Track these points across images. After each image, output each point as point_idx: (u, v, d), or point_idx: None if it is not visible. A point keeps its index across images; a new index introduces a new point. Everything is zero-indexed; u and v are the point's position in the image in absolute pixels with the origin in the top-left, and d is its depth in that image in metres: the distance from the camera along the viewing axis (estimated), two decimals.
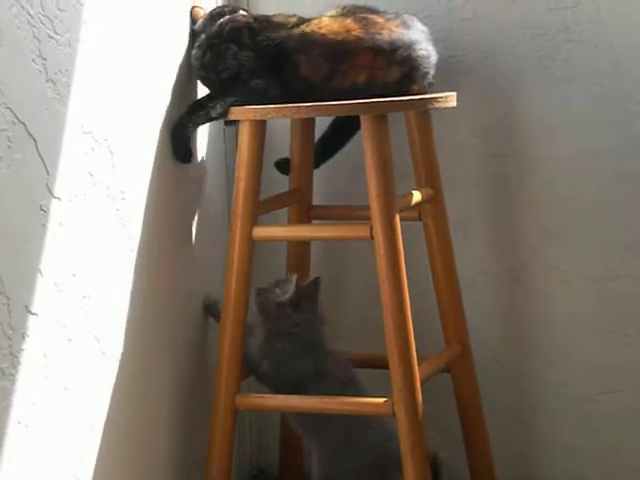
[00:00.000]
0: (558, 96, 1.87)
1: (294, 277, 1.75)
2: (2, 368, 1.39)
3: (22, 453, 1.43)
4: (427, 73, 1.74)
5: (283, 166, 1.89)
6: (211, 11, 1.81)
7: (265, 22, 1.75)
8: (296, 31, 1.72)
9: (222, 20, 1.75)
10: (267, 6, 1.93)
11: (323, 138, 1.88)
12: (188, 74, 1.83)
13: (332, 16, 1.74)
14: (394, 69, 1.70)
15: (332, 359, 1.76)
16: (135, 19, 1.69)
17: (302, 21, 1.75)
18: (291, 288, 1.73)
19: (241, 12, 1.79)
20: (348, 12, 1.74)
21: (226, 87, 1.72)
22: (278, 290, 1.75)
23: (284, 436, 1.96)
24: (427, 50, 1.74)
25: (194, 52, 1.76)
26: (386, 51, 1.69)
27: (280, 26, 1.74)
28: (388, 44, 1.69)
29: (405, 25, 1.73)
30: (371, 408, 1.71)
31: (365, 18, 1.72)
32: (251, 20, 1.75)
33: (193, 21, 1.82)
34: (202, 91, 1.82)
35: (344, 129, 1.84)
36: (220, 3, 1.93)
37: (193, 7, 1.82)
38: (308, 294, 1.75)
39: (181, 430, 1.82)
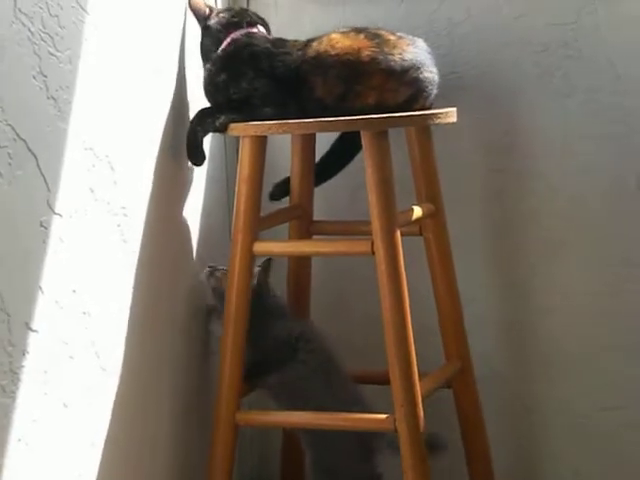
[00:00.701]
0: (558, 111, 1.87)
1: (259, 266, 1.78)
2: (2, 385, 1.39)
3: (22, 471, 1.42)
4: (430, 94, 1.75)
5: (278, 193, 1.88)
6: (230, 15, 1.78)
7: (280, 43, 1.75)
8: (309, 51, 1.72)
9: (241, 40, 1.74)
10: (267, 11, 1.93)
11: (324, 158, 1.88)
12: (188, 90, 1.84)
13: (342, 32, 1.73)
14: (403, 90, 1.70)
15: (302, 327, 1.78)
16: (135, 36, 1.69)
17: (313, 39, 1.74)
18: (255, 275, 1.75)
19: (259, 27, 1.78)
20: (357, 29, 1.74)
21: (233, 107, 1.72)
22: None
23: (285, 450, 1.95)
24: (432, 72, 1.74)
25: (209, 68, 1.76)
26: (397, 72, 1.69)
27: (293, 46, 1.74)
28: (400, 65, 1.69)
29: (414, 44, 1.73)
30: (373, 424, 1.70)
31: (377, 35, 1.72)
32: (269, 45, 1.74)
33: (195, 11, 1.79)
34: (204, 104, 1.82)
35: (346, 150, 1.84)
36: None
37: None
38: (264, 278, 1.79)
39: (182, 447, 1.81)
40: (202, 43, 1.81)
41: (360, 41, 1.71)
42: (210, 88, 1.76)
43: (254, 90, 1.71)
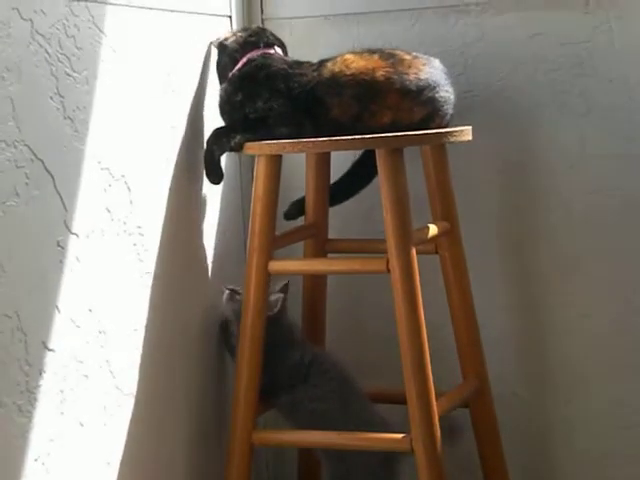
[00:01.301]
0: (574, 130, 1.87)
1: (279, 291, 1.78)
2: (19, 405, 1.39)
3: None
4: (447, 114, 1.75)
5: (294, 212, 1.88)
6: (247, 35, 1.79)
7: (297, 65, 1.75)
8: (324, 72, 1.72)
9: (257, 61, 1.75)
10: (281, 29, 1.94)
11: (342, 179, 1.88)
12: (203, 110, 1.84)
13: (356, 53, 1.74)
14: (418, 110, 1.70)
15: (315, 354, 1.78)
16: (151, 56, 1.70)
17: (327, 59, 1.75)
18: (276, 303, 1.76)
19: (277, 49, 1.79)
20: (371, 50, 1.74)
21: (249, 126, 1.73)
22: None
23: (301, 470, 1.94)
24: (448, 92, 1.75)
25: (225, 87, 1.77)
26: (413, 92, 1.69)
27: (309, 67, 1.74)
28: (415, 85, 1.69)
29: (430, 64, 1.74)
30: (389, 444, 1.69)
31: (392, 55, 1.72)
32: (286, 66, 1.74)
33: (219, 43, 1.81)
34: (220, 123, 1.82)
35: (364, 173, 1.84)
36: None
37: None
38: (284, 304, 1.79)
39: (197, 466, 1.81)
40: (218, 62, 1.82)
41: (375, 61, 1.71)
42: (226, 107, 1.77)
43: (270, 110, 1.71)
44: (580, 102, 1.86)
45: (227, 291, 1.81)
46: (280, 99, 1.72)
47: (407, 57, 1.73)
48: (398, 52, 1.74)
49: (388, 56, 1.72)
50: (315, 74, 1.73)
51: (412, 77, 1.70)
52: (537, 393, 1.94)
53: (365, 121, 1.70)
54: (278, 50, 1.80)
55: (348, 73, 1.71)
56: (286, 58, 1.79)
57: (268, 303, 1.75)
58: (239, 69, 1.77)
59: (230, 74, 1.78)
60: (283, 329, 1.79)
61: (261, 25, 1.97)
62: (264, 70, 1.74)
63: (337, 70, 1.72)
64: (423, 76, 1.71)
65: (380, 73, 1.70)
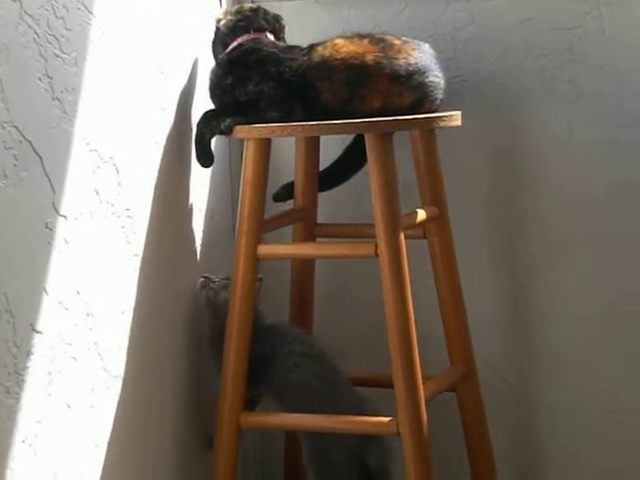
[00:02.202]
0: (563, 115, 1.87)
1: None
2: (7, 386, 1.39)
3: (26, 472, 1.42)
4: (437, 98, 1.75)
5: (284, 195, 1.88)
6: (237, 19, 1.78)
7: (287, 49, 1.75)
8: (315, 56, 1.72)
9: (247, 45, 1.74)
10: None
11: (333, 166, 1.88)
12: (193, 92, 1.84)
13: (347, 37, 1.74)
14: (408, 94, 1.70)
15: (289, 336, 1.77)
16: (140, 38, 1.70)
17: (317, 44, 1.74)
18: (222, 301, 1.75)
19: (267, 34, 1.77)
20: (361, 34, 1.74)
21: (239, 109, 1.73)
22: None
23: (288, 453, 1.95)
24: (438, 77, 1.75)
25: (215, 70, 1.76)
26: (402, 77, 1.69)
27: (298, 50, 1.74)
28: (405, 70, 1.69)
29: (420, 49, 1.74)
30: (375, 427, 1.70)
31: (382, 40, 1.72)
32: (276, 50, 1.74)
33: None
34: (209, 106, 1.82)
35: (355, 159, 1.84)
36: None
37: None
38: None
39: (185, 448, 1.81)
40: (213, 43, 1.82)
41: (364, 46, 1.71)
42: (216, 90, 1.76)
43: (260, 93, 1.71)
44: (570, 88, 1.86)
45: (201, 279, 1.80)
46: (271, 82, 1.72)
47: (397, 42, 1.73)
48: (388, 37, 1.74)
49: (378, 41, 1.72)
50: (305, 58, 1.73)
51: (402, 62, 1.70)
52: (524, 378, 1.95)
53: (355, 105, 1.70)
54: (269, 35, 1.80)
55: (338, 57, 1.71)
56: (277, 42, 1.79)
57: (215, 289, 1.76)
58: (228, 53, 1.77)
59: (219, 58, 1.77)
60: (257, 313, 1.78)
61: (253, 6, 1.95)
62: (254, 54, 1.74)
63: (327, 54, 1.71)
64: (413, 61, 1.71)
65: (370, 57, 1.70)
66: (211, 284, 1.79)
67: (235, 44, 1.77)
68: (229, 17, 1.80)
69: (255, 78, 1.72)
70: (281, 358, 1.75)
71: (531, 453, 1.96)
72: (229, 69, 1.75)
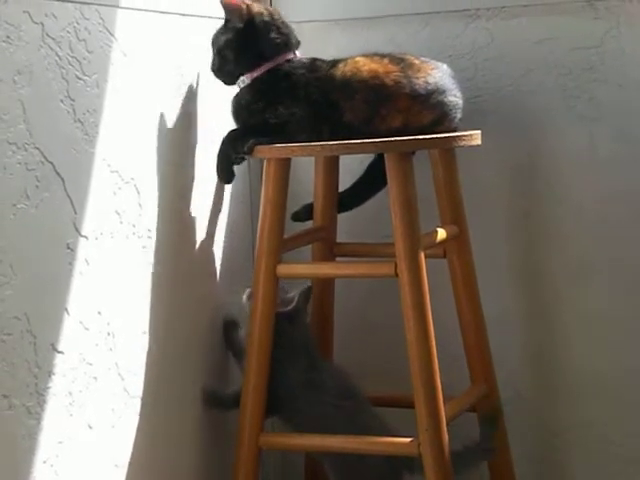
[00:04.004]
0: (584, 135, 1.86)
1: (296, 290, 1.77)
2: (28, 407, 1.40)
3: None
4: (456, 117, 1.75)
5: (303, 215, 1.88)
6: (286, 35, 1.73)
7: (313, 66, 1.73)
8: (337, 76, 1.71)
9: (282, 68, 1.71)
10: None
11: (353, 186, 1.88)
12: (213, 113, 1.85)
13: (367, 56, 1.74)
14: (427, 113, 1.70)
15: (325, 369, 1.76)
16: (160, 59, 1.71)
17: (338, 61, 1.74)
18: (292, 300, 1.75)
19: (296, 53, 1.75)
20: (382, 54, 1.74)
21: (267, 131, 1.72)
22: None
23: (308, 474, 1.94)
24: (456, 96, 1.75)
25: (243, 95, 1.73)
26: (422, 96, 1.70)
27: (320, 66, 1.73)
28: (424, 89, 1.70)
29: (438, 69, 1.74)
30: (396, 448, 1.69)
31: (402, 59, 1.72)
32: (305, 71, 1.72)
33: (227, 9, 1.71)
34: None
35: (373, 182, 1.84)
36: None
37: None
38: (302, 305, 1.78)
39: (204, 470, 1.81)
40: (240, 42, 1.71)
41: (384, 65, 1.72)
42: (243, 113, 1.74)
43: (292, 115, 1.71)
44: (590, 107, 1.85)
45: (248, 290, 1.78)
46: (300, 104, 1.72)
47: (416, 61, 1.74)
48: (407, 56, 1.75)
49: (398, 60, 1.73)
50: (328, 78, 1.73)
51: (421, 81, 1.71)
52: (546, 398, 1.93)
53: (376, 125, 1.70)
54: (297, 53, 1.78)
55: (359, 77, 1.71)
56: (304, 60, 1.77)
57: (283, 300, 1.75)
58: (260, 76, 1.72)
59: (248, 79, 1.74)
60: (296, 330, 1.78)
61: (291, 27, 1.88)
62: (287, 79, 1.72)
63: (349, 73, 1.72)
64: (432, 80, 1.72)
65: (390, 77, 1.70)
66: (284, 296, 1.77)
67: (272, 65, 1.72)
68: (273, 34, 1.73)
69: (286, 101, 1.72)
70: (313, 402, 1.73)
71: (553, 474, 1.94)
72: (260, 95, 1.73)
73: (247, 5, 1.75)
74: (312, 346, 1.80)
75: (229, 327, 1.85)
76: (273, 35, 1.74)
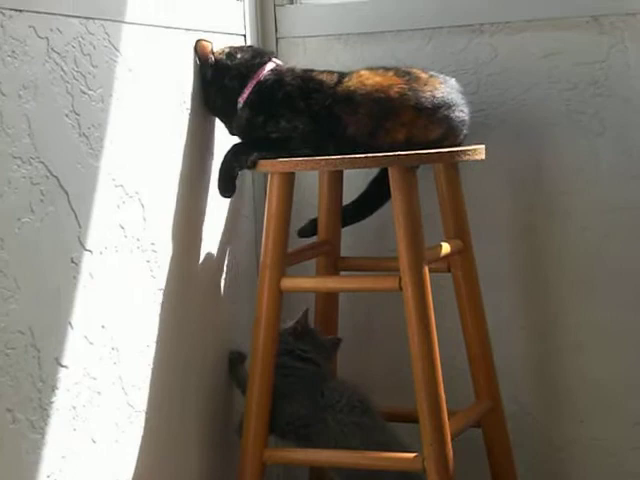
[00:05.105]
0: (588, 149, 1.87)
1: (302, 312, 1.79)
2: (32, 421, 1.39)
3: None
4: (461, 134, 1.75)
5: (308, 230, 1.88)
6: (250, 55, 1.76)
7: (310, 80, 1.73)
8: (340, 89, 1.71)
9: (270, 80, 1.72)
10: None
11: (357, 201, 1.88)
12: (217, 128, 1.85)
13: (372, 69, 1.74)
14: (433, 128, 1.70)
15: (335, 390, 1.74)
16: (166, 75, 1.71)
17: (343, 76, 1.74)
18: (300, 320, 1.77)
19: (275, 60, 1.75)
20: (387, 67, 1.74)
21: (270, 145, 1.72)
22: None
23: None
24: (463, 112, 1.74)
25: (244, 113, 1.73)
26: (428, 109, 1.68)
27: (323, 84, 1.73)
28: (431, 102, 1.69)
29: (446, 83, 1.73)
30: (401, 463, 1.69)
31: (408, 73, 1.72)
32: (299, 81, 1.73)
33: (199, 56, 1.75)
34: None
35: (377, 196, 1.84)
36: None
37: (198, 41, 1.75)
38: (327, 347, 1.79)
39: None
40: (222, 85, 1.75)
41: (390, 78, 1.71)
42: (246, 129, 1.74)
43: (294, 129, 1.71)
44: (595, 122, 1.86)
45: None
46: (302, 117, 1.71)
47: (423, 75, 1.73)
48: (414, 70, 1.74)
49: (404, 73, 1.72)
50: (331, 91, 1.72)
51: (427, 94, 1.70)
52: (551, 413, 1.93)
53: (380, 138, 1.69)
54: (277, 61, 1.78)
55: (363, 90, 1.71)
56: (294, 69, 1.77)
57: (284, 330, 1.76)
58: (250, 94, 1.73)
59: (241, 102, 1.74)
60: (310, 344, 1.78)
61: (275, 46, 1.96)
62: (280, 89, 1.72)
63: (352, 87, 1.72)
64: (439, 94, 1.71)
65: (395, 90, 1.69)
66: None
67: (254, 81, 1.73)
68: (239, 56, 1.75)
69: (287, 114, 1.72)
70: (329, 423, 1.72)
71: None
72: (257, 109, 1.73)
73: (211, 50, 1.76)
74: (324, 372, 1.78)
75: (235, 361, 1.85)
76: (239, 58, 1.75)
